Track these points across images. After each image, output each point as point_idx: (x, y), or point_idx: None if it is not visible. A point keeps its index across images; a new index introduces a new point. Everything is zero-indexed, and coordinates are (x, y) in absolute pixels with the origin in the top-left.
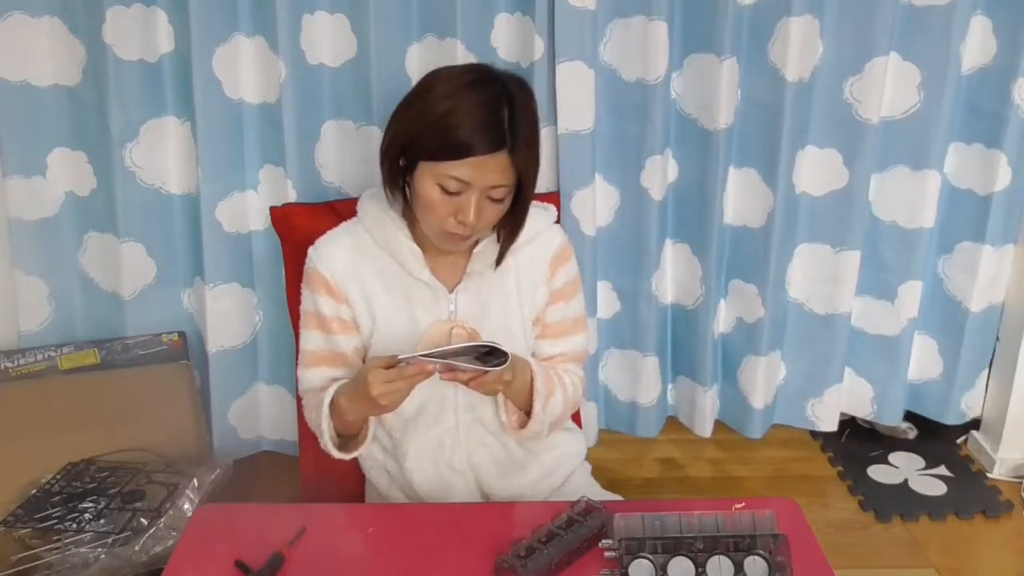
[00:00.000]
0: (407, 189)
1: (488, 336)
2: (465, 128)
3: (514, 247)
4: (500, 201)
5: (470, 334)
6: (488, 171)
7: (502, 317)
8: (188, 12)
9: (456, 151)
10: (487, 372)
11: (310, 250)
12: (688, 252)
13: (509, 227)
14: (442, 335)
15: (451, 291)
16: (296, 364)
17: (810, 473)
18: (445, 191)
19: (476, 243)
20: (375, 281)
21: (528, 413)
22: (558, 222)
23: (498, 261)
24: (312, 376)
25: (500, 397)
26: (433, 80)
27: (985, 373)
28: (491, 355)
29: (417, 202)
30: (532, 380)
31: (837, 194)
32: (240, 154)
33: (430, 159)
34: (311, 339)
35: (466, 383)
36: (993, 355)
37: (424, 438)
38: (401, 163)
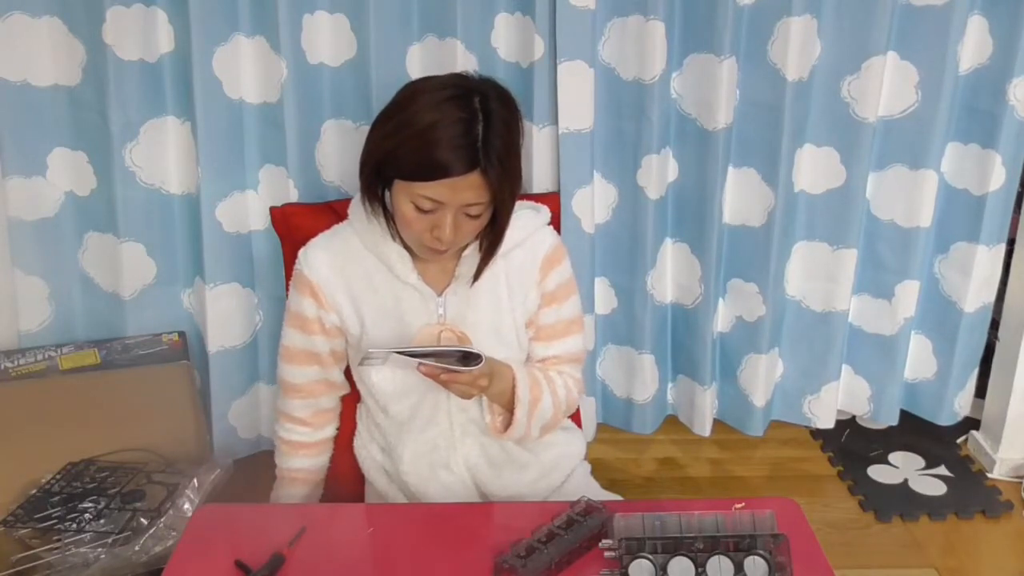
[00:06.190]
0: (387, 198)
1: (478, 339)
2: (436, 149)
3: (504, 249)
4: (477, 217)
5: (459, 337)
6: (461, 191)
7: (493, 320)
8: (188, 12)
9: (428, 172)
10: (458, 372)
11: (300, 252)
12: (687, 252)
13: (488, 241)
14: (431, 339)
15: (440, 294)
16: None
17: (810, 473)
18: (420, 209)
19: (465, 246)
20: (363, 284)
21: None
22: (554, 223)
23: (476, 276)
24: (290, 370)
25: (485, 400)
26: (408, 95)
27: (975, 373)
28: (470, 359)
29: (395, 216)
30: (514, 386)
31: (834, 192)
32: (240, 154)
33: (403, 178)
34: (289, 336)
35: (441, 383)
36: (988, 355)
37: (418, 441)
38: (380, 175)
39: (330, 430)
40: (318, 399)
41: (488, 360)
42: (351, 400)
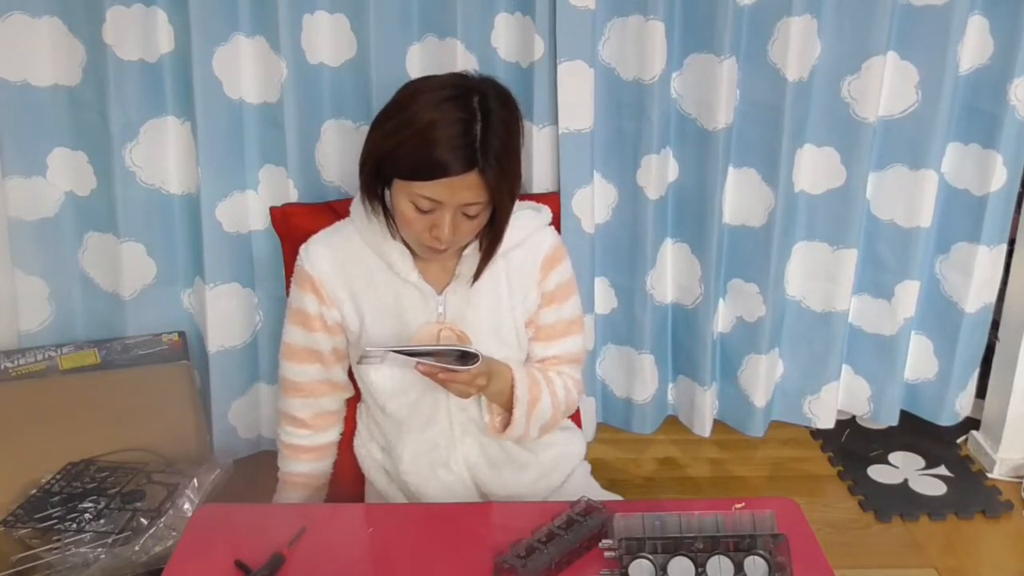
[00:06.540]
0: (387, 197)
1: (478, 339)
2: (434, 149)
3: (504, 249)
4: (475, 217)
5: (459, 336)
6: (459, 190)
7: (493, 319)
8: (188, 12)
9: (426, 172)
10: (456, 371)
11: (301, 248)
12: (687, 252)
13: (487, 241)
14: (431, 337)
15: (440, 293)
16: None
17: (810, 473)
18: (419, 209)
19: (465, 245)
20: (364, 282)
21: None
22: (554, 223)
23: (475, 276)
24: (291, 368)
25: (484, 399)
26: (409, 95)
27: (976, 374)
28: (467, 358)
29: (395, 215)
30: (513, 386)
31: (835, 192)
32: (240, 154)
33: (402, 178)
34: (291, 333)
35: (439, 381)
36: (989, 356)
37: (418, 440)
38: (379, 174)
39: (331, 434)
40: (319, 399)
41: (486, 359)
42: (351, 400)
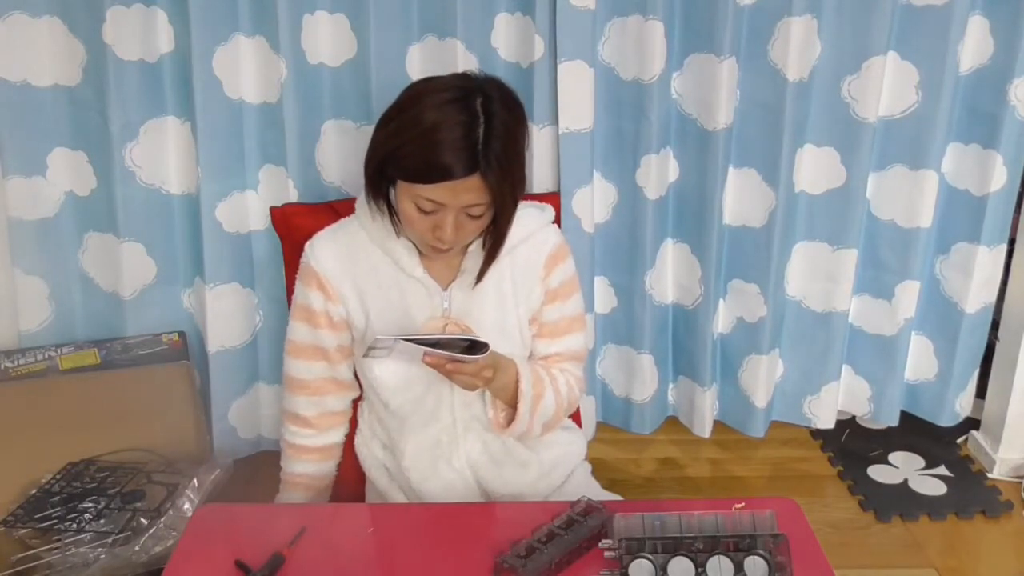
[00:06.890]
0: (391, 196)
1: (482, 334)
2: (436, 153)
3: (509, 246)
4: (479, 217)
5: (464, 331)
6: (461, 193)
7: (497, 315)
8: (188, 12)
9: (428, 175)
10: (464, 361)
11: (306, 244)
12: (688, 252)
13: (490, 243)
14: (436, 332)
15: (445, 288)
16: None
17: (810, 473)
18: (421, 210)
19: (471, 242)
20: (369, 278)
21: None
22: (557, 222)
23: (478, 278)
24: (296, 365)
25: (488, 394)
26: (412, 96)
27: (976, 374)
28: (475, 349)
29: (399, 215)
30: (517, 381)
31: (835, 192)
32: (240, 154)
33: (405, 179)
34: (296, 330)
35: (446, 373)
36: (989, 356)
37: (421, 436)
38: (383, 175)
39: (336, 435)
40: (325, 397)
41: (492, 353)
42: (354, 402)
